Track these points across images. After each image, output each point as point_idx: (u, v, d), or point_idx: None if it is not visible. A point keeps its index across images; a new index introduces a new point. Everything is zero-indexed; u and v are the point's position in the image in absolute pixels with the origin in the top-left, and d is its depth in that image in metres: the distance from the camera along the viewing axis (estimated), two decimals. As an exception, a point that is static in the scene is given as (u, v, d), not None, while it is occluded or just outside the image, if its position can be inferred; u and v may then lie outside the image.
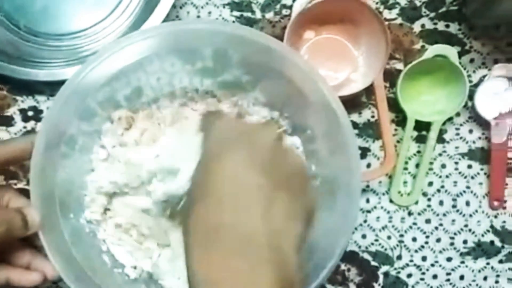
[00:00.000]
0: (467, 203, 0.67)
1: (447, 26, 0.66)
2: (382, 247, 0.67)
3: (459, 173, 0.67)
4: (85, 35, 0.67)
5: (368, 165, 0.67)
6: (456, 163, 0.67)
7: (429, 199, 0.67)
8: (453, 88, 0.64)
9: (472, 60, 0.67)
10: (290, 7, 0.66)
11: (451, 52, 0.63)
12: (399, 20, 0.66)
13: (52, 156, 0.52)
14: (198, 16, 0.66)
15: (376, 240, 0.67)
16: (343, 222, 0.53)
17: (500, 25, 0.66)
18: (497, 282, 0.67)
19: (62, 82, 0.52)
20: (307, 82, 0.53)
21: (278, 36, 0.65)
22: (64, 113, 0.52)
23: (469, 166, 0.67)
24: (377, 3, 0.66)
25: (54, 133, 0.52)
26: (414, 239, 0.67)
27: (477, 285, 0.67)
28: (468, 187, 0.67)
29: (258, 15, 0.66)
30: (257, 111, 0.59)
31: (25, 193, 0.52)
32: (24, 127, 0.66)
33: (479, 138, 0.67)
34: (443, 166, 0.67)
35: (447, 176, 0.67)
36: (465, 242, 0.67)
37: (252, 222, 0.36)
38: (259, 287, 0.34)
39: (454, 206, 0.67)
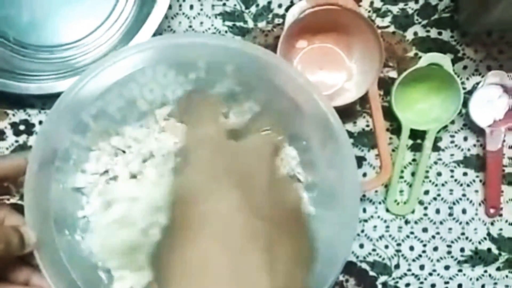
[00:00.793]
0: (464, 211, 0.67)
1: (440, 33, 0.66)
2: (380, 256, 0.66)
3: (455, 180, 0.67)
4: (76, 46, 0.66)
5: (364, 174, 0.66)
6: (452, 171, 0.67)
7: (425, 208, 0.67)
8: (447, 96, 0.64)
9: (465, 67, 0.67)
10: (283, 16, 0.65)
11: (444, 60, 0.63)
12: (392, 28, 0.66)
13: (46, 172, 0.51)
14: (190, 26, 0.66)
15: (374, 250, 0.66)
16: (342, 233, 0.53)
17: (492, 32, 0.66)
18: (495, 289, 0.67)
19: (53, 95, 0.52)
20: (301, 93, 0.53)
21: (271, 45, 0.65)
22: (57, 128, 0.52)
23: (465, 174, 0.67)
24: (369, 11, 0.66)
25: (48, 148, 0.52)
26: (411, 248, 0.67)
27: (475, 293, 0.67)
28: (464, 195, 0.67)
29: (251, 24, 0.66)
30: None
31: (18, 208, 0.51)
32: (16, 141, 0.65)
33: (474, 145, 0.67)
34: (439, 174, 0.67)
35: (443, 184, 0.67)
36: (462, 250, 0.67)
37: (252, 272, 0.31)
38: None
39: (450, 214, 0.67)
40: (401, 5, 0.66)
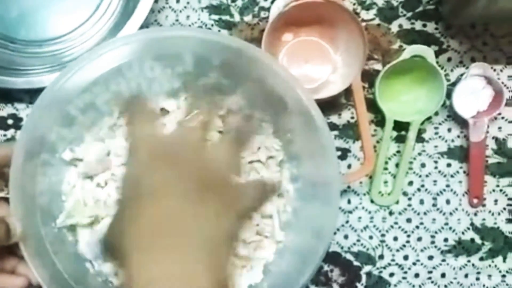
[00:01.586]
0: (447, 202, 0.67)
1: (424, 25, 0.67)
2: (364, 247, 0.67)
3: (439, 172, 0.67)
4: (64, 41, 0.66)
5: (349, 166, 0.67)
6: (436, 162, 0.67)
7: (409, 199, 0.67)
8: (431, 87, 0.65)
9: (449, 59, 0.67)
10: (269, 10, 0.66)
11: (428, 52, 0.63)
12: (377, 21, 0.67)
13: (33, 164, 0.52)
14: (177, 20, 0.66)
15: (358, 241, 0.67)
16: (324, 223, 0.54)
17: (476, 24, 0.67)
18: (477, 279, 0.67)
19: (41, 90, 0.52)
20: (285, 87, 0.53)
21: (256, 38, 0.66)
22: (43, 121, 0.53)
23: (449, 165, 0.67)
24: (354, 4, 0.66)
25: (34, 141, 0.52)
26: (395, 239, 0.67)
27: (458, 282, 0.67)
28: (448, 186, 0.67)
29: (237, 18, 0.66)
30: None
31: (7, 200, 0.51)
32: (4, 135, 0.65)
33: (458, 136, 0.67)
34: (423, 165, 0.67)
35: (427, 175, 0.67)
36: (445, 240, 0.67)
37: (187, 228, 0.39)
38: (194, 285, 0.37)
39: (434, 205, 0.67)
40: (385, -3, 0.67)
